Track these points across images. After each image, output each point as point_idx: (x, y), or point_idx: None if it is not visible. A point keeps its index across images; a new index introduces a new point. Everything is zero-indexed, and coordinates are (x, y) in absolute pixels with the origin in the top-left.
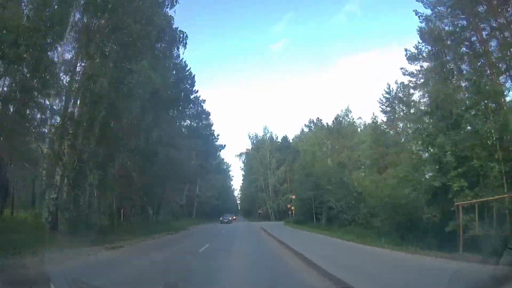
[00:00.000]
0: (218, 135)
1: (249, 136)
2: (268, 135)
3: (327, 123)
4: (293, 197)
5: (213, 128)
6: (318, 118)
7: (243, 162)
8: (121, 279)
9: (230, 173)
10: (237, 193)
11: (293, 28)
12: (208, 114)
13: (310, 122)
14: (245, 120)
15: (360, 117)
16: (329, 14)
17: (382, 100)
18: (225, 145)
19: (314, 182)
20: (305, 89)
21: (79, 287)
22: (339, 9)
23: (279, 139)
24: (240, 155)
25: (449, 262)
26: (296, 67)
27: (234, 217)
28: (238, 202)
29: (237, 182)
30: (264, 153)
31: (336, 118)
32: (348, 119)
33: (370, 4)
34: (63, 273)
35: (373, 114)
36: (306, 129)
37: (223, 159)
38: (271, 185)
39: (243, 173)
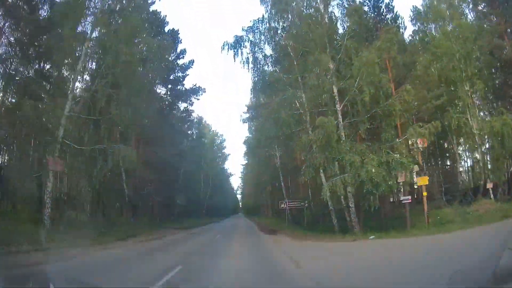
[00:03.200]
0: None
1: None
2: None
3: None
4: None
5: None
6: None
7: (247, 65)
8: None
9: (224, 150)
10: (237, 185)
11: None
12: None
13: None
14: None
15: None
16: None
17: None
18: None
19: None
20: None
21: (78, 286)
22: None
23: None
24: (236, 47)
25: None
26: None
27: None
28: (239, 198)
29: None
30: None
31: None
32: None
33: None
34: (63, 271)
35: None
36: None
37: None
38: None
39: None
